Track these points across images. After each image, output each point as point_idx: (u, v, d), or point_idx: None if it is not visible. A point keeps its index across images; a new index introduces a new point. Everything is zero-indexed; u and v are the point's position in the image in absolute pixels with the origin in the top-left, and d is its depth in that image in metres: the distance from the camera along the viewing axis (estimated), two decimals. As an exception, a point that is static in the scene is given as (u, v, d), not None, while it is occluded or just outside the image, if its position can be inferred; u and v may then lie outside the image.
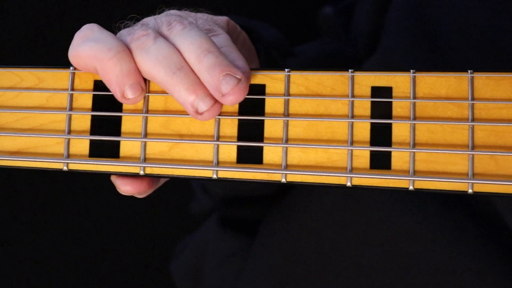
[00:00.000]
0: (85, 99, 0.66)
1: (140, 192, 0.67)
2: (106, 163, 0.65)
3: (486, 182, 0.62)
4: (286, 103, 0.65)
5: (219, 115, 0.65)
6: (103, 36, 0.64)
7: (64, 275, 1.48)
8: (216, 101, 0.63)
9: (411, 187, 0.63)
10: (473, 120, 0.63)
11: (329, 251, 0.78)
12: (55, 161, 0.66)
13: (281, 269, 0.80)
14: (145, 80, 0.65)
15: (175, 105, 0.66)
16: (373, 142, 0.64)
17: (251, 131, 0.65)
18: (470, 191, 0.62)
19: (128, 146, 0.65)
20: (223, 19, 0.73)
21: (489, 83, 0.64)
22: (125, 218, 1.47)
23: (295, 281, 0.79)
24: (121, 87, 0.64)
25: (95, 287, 1.50)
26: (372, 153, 0.64)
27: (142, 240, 1.48)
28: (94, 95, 0.66)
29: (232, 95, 0.62)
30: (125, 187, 0.65)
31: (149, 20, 0.67)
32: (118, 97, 0.64)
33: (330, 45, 0.97)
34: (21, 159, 0.66)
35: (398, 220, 0.77)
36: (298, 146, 0.64)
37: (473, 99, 0.63)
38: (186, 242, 0.98)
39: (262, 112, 0.65)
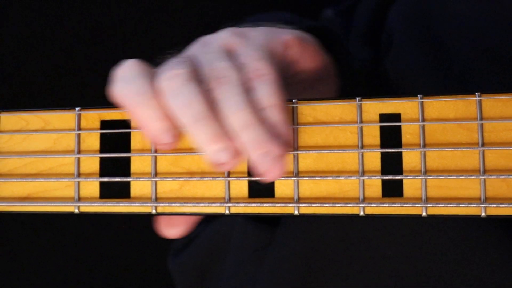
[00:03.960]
0: (93, 140, 0.66)
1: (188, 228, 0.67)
2: (118, 204, 0.65)
3: (499, 206, 0.62)
4: (295, 134, 0.64)
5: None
6: (134, 76, 0.64)
7: (64, 274, 1.48)
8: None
9: (424, 214, 0.63)
10: (483, 143, 0.63)
11: (356, 241, 0.77)
12: (66, 204, 0.65)
13: (306, 258, 0.79)
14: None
15: (183, 142, 0.65)
16: (384, 171, 0.64)
17: (261, 165, 0.64)
18: (483, 214, 0.63)
19: (138, 186, 0.65)
20: (281, 40, 0.69)
21: (497, 105, 0.63)
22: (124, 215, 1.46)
23: (320, 271, 0.79)
24: (154, 134, 0.63)
25: (94, 286, 1.50)
26: (384, 182, 0.64)
27: (142, 234, 1.48)
28: (101, 134, 0.66)
29: (270, 173, 0.62)
30: (166, 232, 0.66)
31: (196, 52, 0.66)
32: (154, 142, 0.64)
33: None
34: (31, 204, 0.66)
35: None
36: (309, 178, 0.64)
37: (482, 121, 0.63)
38: (188, 237, 0.97)
39: (271, 145, 0.65)
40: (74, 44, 1.40)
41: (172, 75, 0.63)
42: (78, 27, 1.40)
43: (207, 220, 0.96)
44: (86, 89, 1.39)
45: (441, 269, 0.75)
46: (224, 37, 0.67)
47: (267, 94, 0.63)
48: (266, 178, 0.63)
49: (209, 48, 0.66)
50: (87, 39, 1.41)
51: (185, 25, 1.35)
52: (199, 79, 0.63)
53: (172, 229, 0.67)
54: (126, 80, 0.63)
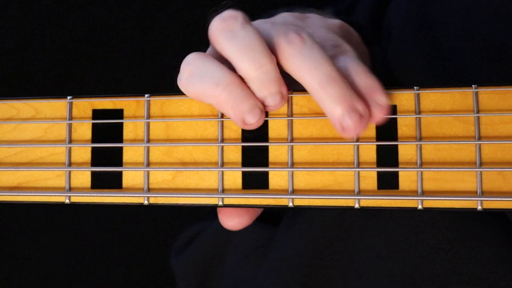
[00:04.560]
0: (84, 129, 0.65)
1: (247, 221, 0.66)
2: (109, 195, 0.64)
3: (495, 199, 0.61)
4: (290, 126, 0.64)
5: (222, 141, 0.64)
6: (206, 69, 0.62)
7: (64, 274, 1.48)
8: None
9: (419, 207, 0.62)
10: (479, 136, 0.62)
11: (355, 240, 0.77)
12: (57, 194, 0.64)
13: (306, 257, 0.79)
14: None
15: (176, 132, 0.64)
16: (379, 163, 0.63)
17: (255, 156, 0.64)
18: (479, 208, 0.62)
19: (130, 176, 0.64)
20: (335, 23, 0.70)
21: (494, 97, 0.63)
22: (123, 212, 1.46)
23: (320, 270, 0.78)
24: (241, 116, 0.62)
25: (94, 286, 1.49)
26: (379, 174, 0.63)
27: (142, 234, 1.47)
28: (93, 124, 0.65)
29: (352, 131, 0.61)
30: (229, 222, 0.65)
31: (262, 25, 0.64)
32: (240, 125, 0.63)
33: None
34: (21, 194, 0.65)
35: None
36: (304, 170, 0.63)
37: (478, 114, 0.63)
38: (191, 235, 0.96)
39: (265, 136, 0.64)
40: (70, 37, 1.40)
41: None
42: (74, 21, 1.39)
43: (209, 217, 0.95)
44: (78, 78, 1.39)
45: (436, 268, 0.74)
46: (289, 19, 0.66)
47: (355, 63, 0.63)
48: (345, 134, 0.62)
49: (280, 24, 0.64)
50: (83, 34, 1.40)
51: (185, 25, 1.35)
52: None
53: (232, 220, 0.65)
54: (199, 75, 0.62)
